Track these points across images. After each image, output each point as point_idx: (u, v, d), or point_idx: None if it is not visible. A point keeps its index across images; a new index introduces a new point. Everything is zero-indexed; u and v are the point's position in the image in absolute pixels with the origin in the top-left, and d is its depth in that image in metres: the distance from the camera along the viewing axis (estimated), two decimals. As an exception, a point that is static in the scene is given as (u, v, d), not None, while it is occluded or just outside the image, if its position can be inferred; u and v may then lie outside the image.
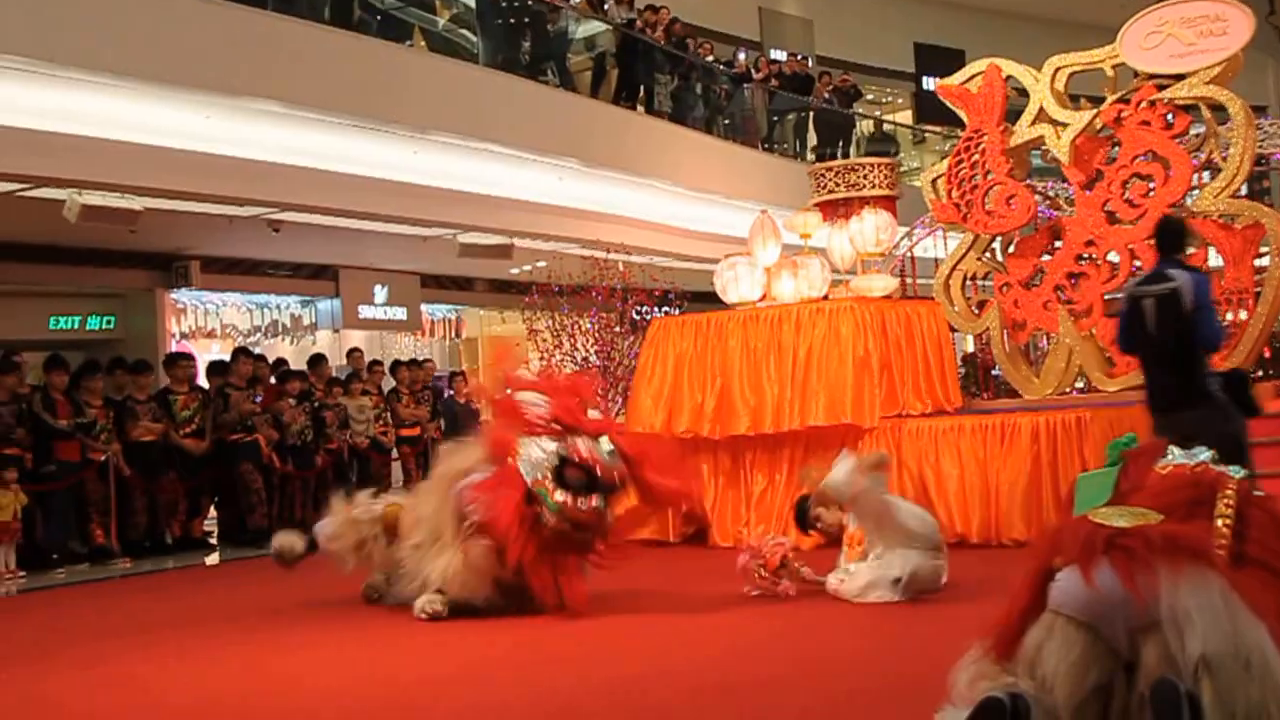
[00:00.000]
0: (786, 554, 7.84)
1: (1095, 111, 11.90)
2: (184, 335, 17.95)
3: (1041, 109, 12.15)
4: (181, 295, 17.83)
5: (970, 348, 16.27)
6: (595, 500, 7.44)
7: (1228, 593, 3.79)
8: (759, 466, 10.88)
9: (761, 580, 7.81)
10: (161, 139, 12.50)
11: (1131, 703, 3.78)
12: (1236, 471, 4.38)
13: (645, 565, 10.07)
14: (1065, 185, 12.68)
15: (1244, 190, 11.64)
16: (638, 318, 14.56)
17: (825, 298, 11.39)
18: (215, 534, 14.14)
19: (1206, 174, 11.73)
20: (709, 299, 12.22)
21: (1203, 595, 3.76)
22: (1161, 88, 11.64)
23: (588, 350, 14.17)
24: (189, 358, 14.65)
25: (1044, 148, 12.36)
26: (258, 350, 17.07)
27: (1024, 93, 12.56)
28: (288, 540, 8.89)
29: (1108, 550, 3.85)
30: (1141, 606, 3.76)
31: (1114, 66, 11.94)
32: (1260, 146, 14.42)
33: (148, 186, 12.86)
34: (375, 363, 16.73)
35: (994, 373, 14.31)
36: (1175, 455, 4.56)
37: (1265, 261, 11.30)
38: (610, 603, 7.79)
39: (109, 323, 17.43)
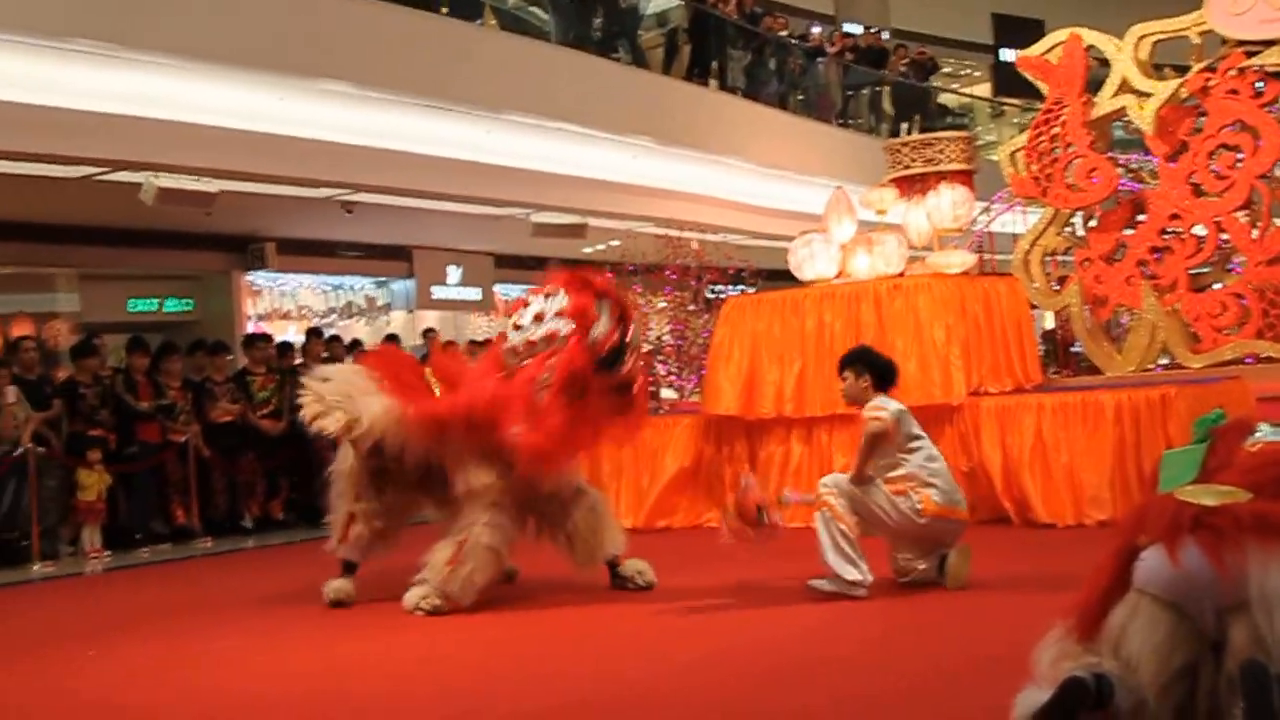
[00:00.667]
0: (762, 502, 7.39)
1: (1180, 80, 11.68)
2: (260, 317, 18.07)
3: (1124, 79, 11.95)
4: (257, 277, 17.95)
5: (1050, 324, 16.06)
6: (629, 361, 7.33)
7: (1320, 573, 3.70)
8: (838, 445, 10.73)
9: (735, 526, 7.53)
10: (236, 121, 12.59)
11: (1219, 684, 3.70)
12: (1330, 449, 4.26)
13: (701, 549, 10.07)
14: (1149, 157, 12.46)
15: (1336, 160, 11.36)
16: (712, 296, 14.46)
17: (902, 275, 11.24)
18: (293, 515, 14.19)
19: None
20: (783, 277, 12.10)
21: (1294, 575, 3.68)
22: (1251, 54, 11.39)
23: (662, 329, 14.08)
24: (267, 339, 14.74)
25: (1127, 119, 12.16)
26: (333, 331, 17.15)
27: (1106, 63, 12.34)
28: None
29: (1194, 529, 3.77)
30: (1229, 586, 3.68)
31: (1200, 33, 11.69)
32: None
33: (223, 169, 12.97)
34: (449, 343, 16.75)
35: (1074, 349, 14.11)
36: (1265, 432, 4.45)
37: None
38: (669, 589, 7.77)
39: (187, 305, 17.61)
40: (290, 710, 5.43)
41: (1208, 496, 3.88)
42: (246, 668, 6.41)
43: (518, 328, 7.46)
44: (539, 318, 7.35)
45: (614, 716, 5.03)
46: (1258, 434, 4.48)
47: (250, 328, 17.14)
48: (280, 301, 18.57)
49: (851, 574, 7.02)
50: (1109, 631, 3.85)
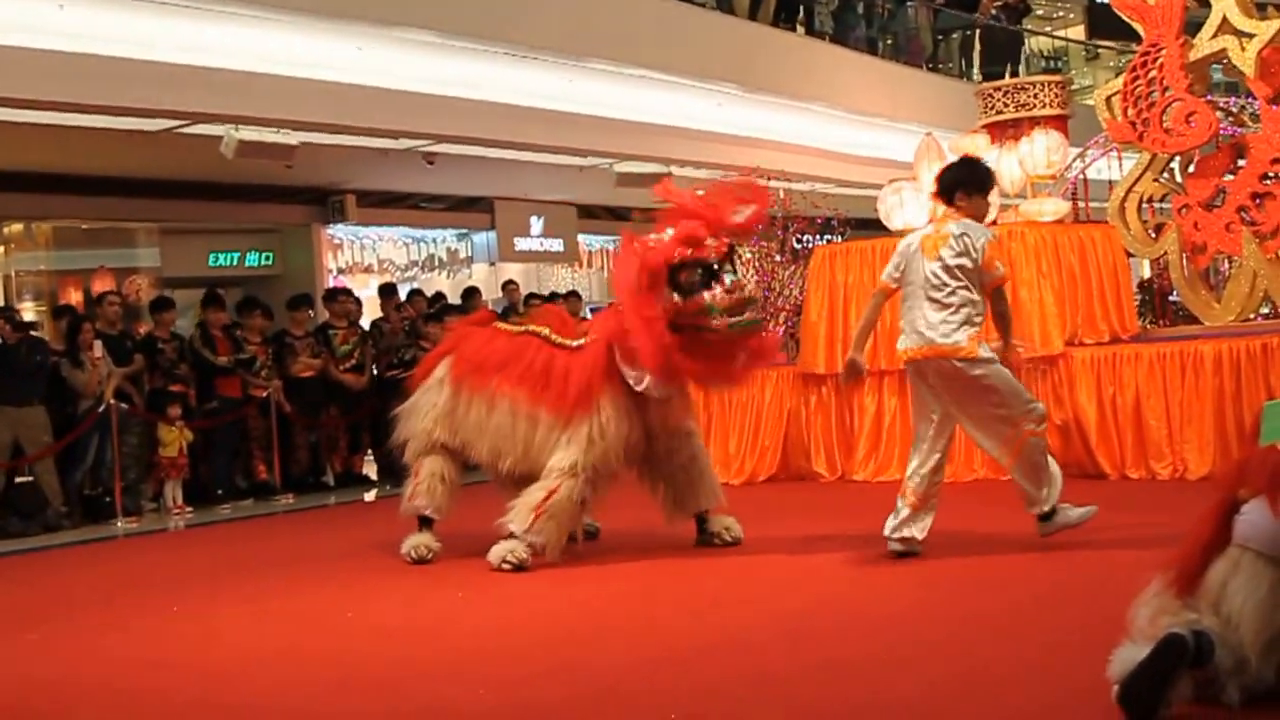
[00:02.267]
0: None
1: (1284, 20, 11.27)
2: (341, 270, 18.08)
3: (1224, 19, 11.54)
4: (338, 230, 17.94)
5: (1146, 273, 15.73)
6: (726, 282, 7.18)
7: None
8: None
9: None
10: (316, 72, 12.54)
11: None
12: None
13: (791, 503, 9.94)
14: (1250, 100, 12.06)
15: None
16: (799, 246, 14.23)
17: (994, 223, 11.02)
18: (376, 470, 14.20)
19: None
20: (872, 226, 11.92)
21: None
22: (1358, -10, 10.97)
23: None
24: (348, 293, 14.71)
25: (1227, 61, 11.76)
26: (415, 285, 17.13)
27: (1205, 3, 11.95)
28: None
29: None
30: None
31: (1307, -30, 11.27)
32: None
33: (303, 120, 12.92)
34: (532, 295, 16.65)
35: (1171, 299, 13.79)
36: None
37: None
38: (758, 544, 7.72)
39: (267, 259, 17.62)
40: (372, 669, 5.36)
41: (1312, 449, 3.80)
42: (327, 625, 6.39)
43: None
44: None
45: (693, 672, 4.95)
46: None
47: (331, 282, 17.17)
48: (361, 255, 18.55)
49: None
50: (1209, 587, 3.79)
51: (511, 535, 7.32)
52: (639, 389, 7.30)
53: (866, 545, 7.22)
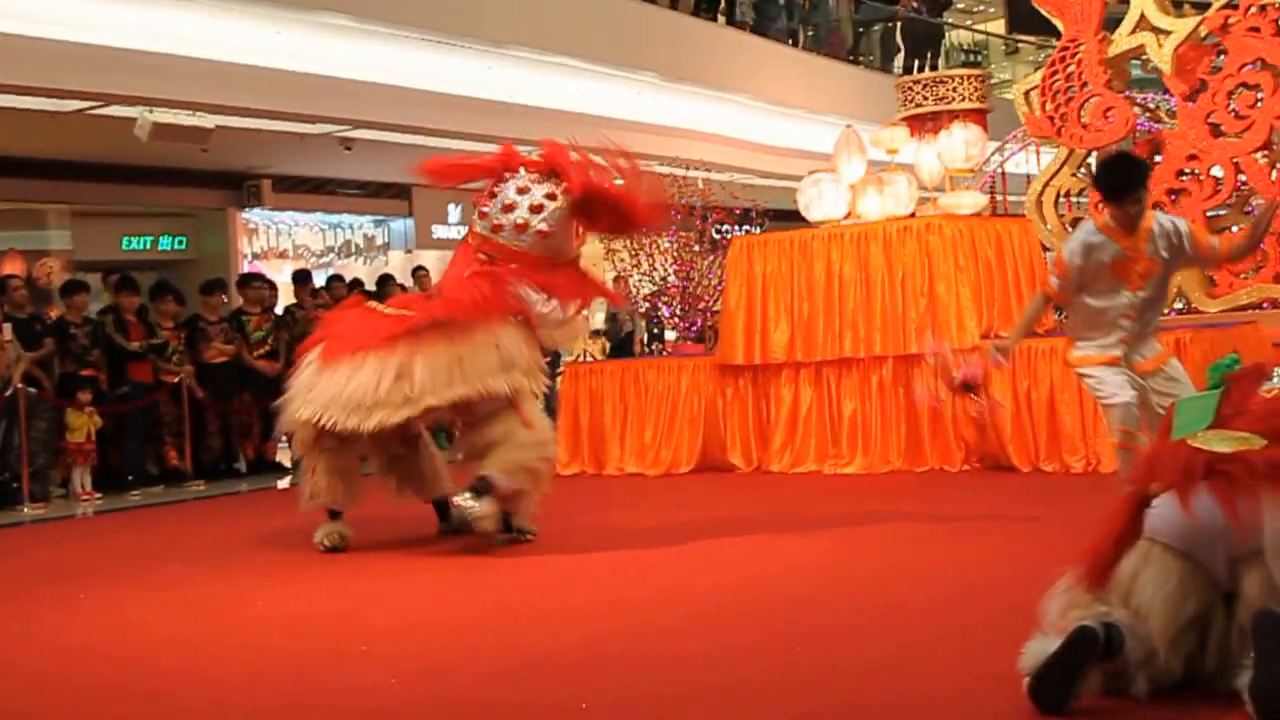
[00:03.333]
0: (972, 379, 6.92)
1: (1200, 18, 11.42)
2: (256, 256, 17.91)
3: (1142, 16, 11.69)
4: (253, 215, 17.79)
5: (1063, 268, 15.87)
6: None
7: (1334, 521, 3.63)
8: (846, 390, 10.63)
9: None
10: (233, 55, 12.43)
11: (1231, 634, 3.69)
12: (1346, 397, 4.22)
13: (705, 492, 9.92)
14: (1166, 97, 12.19)
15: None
16: (718, 236, 14.24)
17: (912, 216, 11.08)
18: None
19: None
20: (791, 217, 11.95)
21: (1308, 523, 3.61)
22: (1274, -10, 11.10)
23: (666, 270, 13.85)
24: (262, 278, 14.54)
25: (1144, 57, 11.91)
26: (331, 271, 16.98)
27: (1124, -1, 12.09)
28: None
29: (1207, 476, 3.77)
30: (1242, 534, 3.67)
31: (1223, -32, 11.40)
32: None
33: (219, 104, 12.78)
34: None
35: (1087, 293, 13.92)
36: (1280, 379, 4.36)
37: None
38: (672, 533, 7.67)
39: (181, 243, 17.44)
40: (282, 657, 5.27)
41: (1221, 443, 3.86)
42: (238, 613, 6.27)
43: (509, 208, 7.58)
44: (522, 191, 7.59)
45: (605, 658, 4.90)
46: (1273, 380, 4.42)
47: (246, 267, 17.00)
48: (276, 240, 18.41)
49: None
50: (1119, 580, 3.82)
51: (480, 496, 7.11)
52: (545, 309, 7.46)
53: (781, 533, 7.28)
